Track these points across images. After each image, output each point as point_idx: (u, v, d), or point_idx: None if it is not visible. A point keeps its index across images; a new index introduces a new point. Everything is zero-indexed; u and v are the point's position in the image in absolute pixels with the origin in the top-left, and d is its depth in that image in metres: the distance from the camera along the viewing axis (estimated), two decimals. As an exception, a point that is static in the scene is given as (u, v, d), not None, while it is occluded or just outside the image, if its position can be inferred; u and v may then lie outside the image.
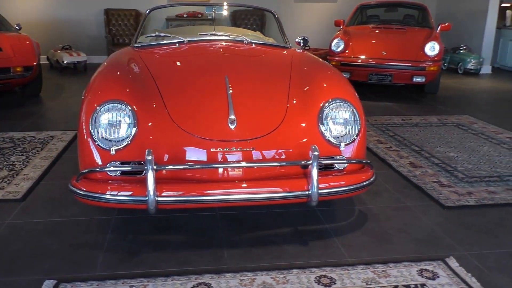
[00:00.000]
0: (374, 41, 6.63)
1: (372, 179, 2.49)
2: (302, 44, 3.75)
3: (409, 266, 2.29)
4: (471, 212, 2.91)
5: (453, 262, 2.33)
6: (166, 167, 2.26)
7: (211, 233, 2.57)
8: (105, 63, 3.05)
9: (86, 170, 2.29)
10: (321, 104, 2.52)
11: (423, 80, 6.13)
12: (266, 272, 2.21)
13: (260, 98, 2.61)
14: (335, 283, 2.13)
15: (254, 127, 2.42)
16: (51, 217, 2.76)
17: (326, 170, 2.47)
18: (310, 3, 9.56)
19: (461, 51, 8.85)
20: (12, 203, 2.93)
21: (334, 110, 2.50)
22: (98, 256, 2.34)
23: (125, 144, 2.32)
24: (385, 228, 2.67)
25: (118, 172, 2.34)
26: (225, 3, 4.14)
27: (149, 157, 2.15)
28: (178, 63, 3.09)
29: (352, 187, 2.42)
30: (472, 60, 8.48)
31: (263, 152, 2.37)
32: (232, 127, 2.38)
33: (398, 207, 2.95)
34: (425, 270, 2.26)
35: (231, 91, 2.55)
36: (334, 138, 2.47)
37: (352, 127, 2.49)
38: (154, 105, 2.48)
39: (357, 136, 2.51)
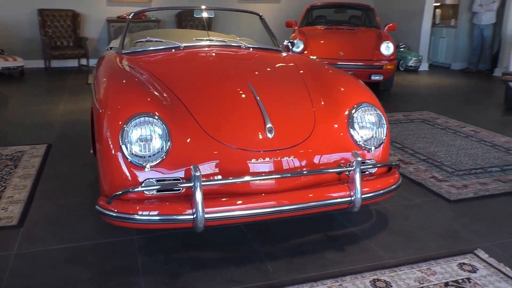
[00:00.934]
0: (331, 42, 6.80)
1: (400, 180, 2.56)
2: (290, 47, 3.74)
3: (448, 261, 2.38)
4: (474, 204, 3.08)
5: (482, 254, 2.45)
6: (214, 182, 2.15)
7: (245, 247, 2.49)
8: (104, 74, 2.84)
9: (124, 191, 2.11)
10: (350, 109, 2.53)
11: (381, 78, 6.39)
12: (320, 282, 2.18)
13: (288, 104, 2.57)
14: (391, 286, 2.16)
15: (290, 135, 2.37)
16: (63, 242, 2.51)
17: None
18: (253, 3, 9.57)
19: (401, 49, 9.35)
20: (9, 231, 2.63)
21: (362, 114, 2.52)
22: (138, 281, 2.18)
23: (160, 159, 2.17)
24: (407, 227, 2.75)
25: (154, 190, 2.18)
26: (203, 7, 4.01)
27: (197, 173, 2.03)
28: (189, 71, 2.93)
29: (387, 190, 2.46)
30: (413, 58, 9.00)
31: (301, 160, 2.33)
32: (270, 136, 2.31)
33: (409, 205, 3.05)
34: (464, 264, 2.36)
35: (259, 98, 2.48)
36: (364, 142, 2.49)
37: (379, 130, 2.53)
38: (182, 117, 2.34)
39: (384, 139, 2.55)
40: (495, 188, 3.32)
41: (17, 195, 3.09)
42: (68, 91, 6.97)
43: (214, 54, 3.22)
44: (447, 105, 6.24)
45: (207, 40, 3.49)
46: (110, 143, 2.20)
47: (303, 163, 2.33)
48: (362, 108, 2.53)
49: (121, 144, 2.15)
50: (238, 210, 2.13)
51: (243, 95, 2.53)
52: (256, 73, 2.90)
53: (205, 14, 3.77)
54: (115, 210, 2.11)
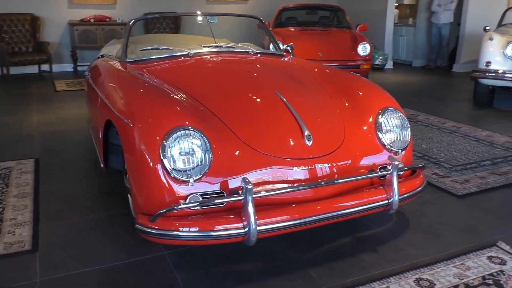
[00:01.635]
0: (308, 43, 6.87)
1: (425, 181, 2.62)
2: (290, 51, 3.74)
3: (477, 255, 2.46)
4: (480, 198, 3.21)
5: (504, 246, 2.55)
6: (265, 194, 2.11)
7: (282, 255, 2.46)
8: (119, 84, 2.73)
9: (170, 208, 2.03)
10: (376, 114, 2.55)
11: (358, 77, 6.54)
12: (368, 285, 2.19)
13: (318, 111, 2.56)
14: (434, 284, 2.20)
15: (327, 142, 2.37)
16: (89, 265, 2.38)
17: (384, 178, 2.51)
18: (222, 4, 9.52)
19: (367, 48, 9.60)
20: (25, 256, 2.46)
21: (388, 118, 2.55)
22: (185, 300, 2.10)
23: (203, 173, 2.11)
24: (427, 223, 2.82)
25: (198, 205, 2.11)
26: (198, 12, 3.93)
27: (249, 186, 1.98)
28: (210, 79, 2.85)
29: (416, 191, 2.51)
30: (379, 56, 9.27)
31: (339, 166, 2.34)
32: (309, 143, 2.30)
33: (422, 202, 3.13)
34: (492, 257, 2.45)
35: (290, 105, 2.46)
36: (391, 145, 2.53)
37: (404, 133, 2.57)
38: (217, 128, 2.28)
39: (409, 141, 2.60)
40: (494, 181, 3.47)
41: (20, 216, 2.90)
42: (35, 99, 6.65)
43: (228, 61, 3.16)
44: (420, 102, 6.47)
45: (215, 46, 3.42)
46: (148, 158, 2.11)
47: (340, 169, 2.34)
48: (388, 113, 2.56)
49: (162, 159, 2.07)
50: (288, 220, 2.10)
51: (274, 103, 2.50)
52: (279, 80, 2.87)
53: (210, 20, 3.66)
54: (161, 228, 2.03)
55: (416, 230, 2.74)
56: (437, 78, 8.70)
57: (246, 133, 2.29)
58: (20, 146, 4.42)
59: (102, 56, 4.09)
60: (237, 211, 2.10)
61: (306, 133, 2.31)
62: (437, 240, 2.62)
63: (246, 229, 2.01)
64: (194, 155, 2.09)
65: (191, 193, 2.10)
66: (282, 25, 7.86)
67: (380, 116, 2.55)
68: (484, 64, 5.80)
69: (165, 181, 2.09)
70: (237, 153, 2.22)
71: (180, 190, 2.09)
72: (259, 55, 3.42)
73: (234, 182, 2.16)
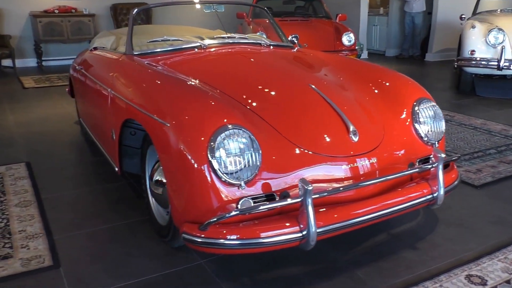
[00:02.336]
0: (292, 33, 6.74)
1: (459, 174, 2.59)
2: (296, 42, 3.62)
3: (516, 247, 2.46)
4: (497, 187, 3.23)
5: (538, 236, 2.57)
6: (324, 194, 1.99)
7: (324, 257, 2.36)
8: (139, 80, 2.52)
9: (221, 216, 1.88)
10: (411, 105, 2.48)
11: (344, 68, 6.51)
12: (421, 285, 2.13)
13: (356, 104, 2.46)
14: (486, 280, 2.17)
15: (371, 136, 2.28)
16: (123, 279, 2.20)
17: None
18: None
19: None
20: (48, 273, 2.25)
21: (424, 109, 2.49)
22: (240, 312, 1.97)
23: (254, 174, 1.97)
24: (456, 216, 2.80)
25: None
26: (197, 0, 3.74)
27: (309, 187, 1.86)
28: (238, 73, 2.68)
29: (454, 185, 2.47)
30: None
31: (384, 160, 2.25)
32: (355, 139, 2.20)
33: (443, 194, 3.11)
34: (531, 248, 2.45)
35: (330, 100, 2.35)
36: (427, 136, 2.47)
37: (439, 124, 2.52)
38: (260, 125, 2.14)
39: (444, 132, 2.55)
40: (506, 170, 3.50)
41: (29, 228, 2.66)
42: (4, 98, 6.26)
43: (247, 53, 2.99)
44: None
45: (228, 37, 3.25)
46: (193, 161, 1.94)
47: (384, 164, 2.26)
48: (423, 104, 2.50)
49: (211, 161, 1.91)
50: (346, 219, 2.00)
51: (312, 98, 2.38)
52: (310, 73, 2.75)
53: (219, 9, 3.46)
54: (212, 237, 1.88)
55: (448, 224, 2.71)
56: (412, 68, 8.83)
57: (290, 131, 2.17)
58: (3, 150, 4.10)
59: (95, 48, 3.83)
60: (290, 215, 1.98)
61: (352, 128, 2.21)
62: (473, 234, 2.60)
63: (304, 233, 1.90)
64: (244, 156, 1.95)
65: (242, 197, 1.96)
66: (260, 16, 7.71)
67: (416, 108, 2.48)
68: (469, 52, 5.89)
69: (214, 185, 1.93)
70: (283, 152, 2.09)
71: (231, 194, 1.95)
72: (271, 47, 3.28)
73: (282, 183, 2.04)
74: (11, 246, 2.46)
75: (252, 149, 1.97)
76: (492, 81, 6.29)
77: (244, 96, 2.33)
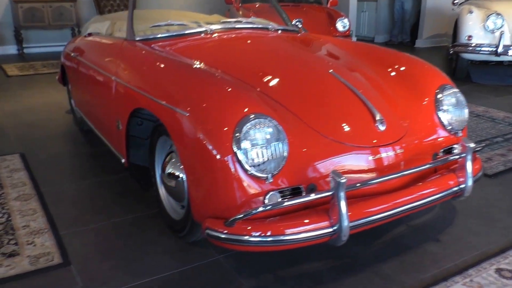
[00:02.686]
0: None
1: (482, 165, 2.52)
2: (300, 27, 3.49)
3: (540, 238, 2.42)
4: (510, 176, 3.18)
5: (559, 226, 2.53)
6: (355, 187, 1.89)
7: (346, 251, 2.28)
8: (150, 67, 2.38)
9: (248, 212, 1.77)
10: (434, 92, 2.39)
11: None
12: (451, 280, 2.06)
13: (380, 91, 2.35)
14: (516, 273, 2.13)
15: (397, 125, 2.18)
16: (140, 277, 2.07)
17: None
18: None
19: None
20: (59, 272, 2.12)
21: (447, 96, 2.40)
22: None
23: (281, 166, 1.86)
24: (476, 207, 2.72)
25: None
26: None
27: (342, 180, 1.76)
28: (253, 60, 2.54)
29: (479, 175, 2.40)
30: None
31: (411, 150, 2.17)
32: (383, 128, 2.10)
33: (457, 183, 3.06)
34: (554, 239, 2.41)
35: (354, 87, 2.24)
36: (452, 125, 2.39)
37: (462, 112, 2.43)
38: (284, 114, 2.03)
39: (467, 120, 2.47)
40: (516, 159, 3.47)
41: (32, 223, 2.52)
42: (-11, 86, 5.99)
43: (258, 38, 2.86)
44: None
45: (235, 22, 3.10)
46: (216, 153, 1.82)
47: (410, 154, 2.17)
48: (446, 91, 2.41)
49: (236, 153, 1.79)
50: (378, 212, 1.91)
51: (334, 85, 2.27)
52: (328, 59, 2.63)
53: None
54: (240, 233, 1.77)
55: (466, 215, 2.65)
56: (404, 54, 8.76)
57: (314, 119, 2.06)
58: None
59: (90, 34, 3.65)
60: (319, 209, 1.88)
61: (378, 117, 2.11)
62: (494, 226, 2.54)
63: (336, 228, 1.80)
64: (271, 147, 1.84)
65: (269, 191, 1.85)
66: (249, 1, 7.54)
67: (438, 95, 2.39)
68: (466, 38, 5.85)
69: (239, 178, 1.82)
70: (308, 142, 1.98)
71: (257, 188, 1.84)
72: (279, 31, 3.15)
73: (308, 175, 1.94)
74: (16, 242, 2.31)
75: (278, 140, 1.86)
76: (487, 68, 6.28)
77: (263, 84, 2.21)
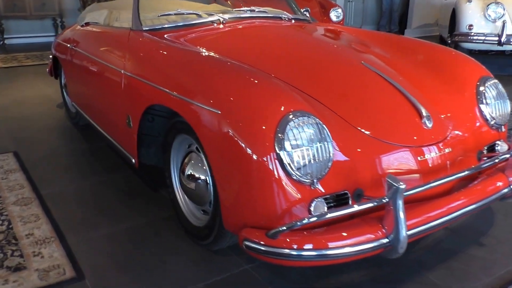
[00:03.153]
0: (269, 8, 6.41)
1: None
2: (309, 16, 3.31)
3: None
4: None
5: None
6: (413, 192, 1.73)
7: (383, 261, 2.08)
8: (167, 59, 2.16)
9: (295, 222, 1.58)
10: (475, 85, 2.23)
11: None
12: None
13: (418, 84, 2.19)
14: None
15: (444, 121, 2.02)
16: (162, 290, 1.89)
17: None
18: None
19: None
20: (73, 286, 1.91)
21: (488, 89, 2.24)
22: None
23: (326, 170, 1.68)
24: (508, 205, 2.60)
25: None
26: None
27: (401, 185, 1.59)
28: (275, 52, 2.33)
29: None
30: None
31: (458, 149, 2.01)
32: (430, 125, 1.93)
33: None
34: None
35: (390, 79, 2.07)
36: (494, 119, 2.23)
37: (505, 106, 2.28)
38: (322, 111, 1.85)
39: (510, 114, 2.33)
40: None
41: (37, 231, 2.29)
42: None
43: (277, 28, 2.66)
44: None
45: (248, 11, 2.89)
46: (256, 156, 1.63)
47: (458, 152, 2.01)
48: (487, 82, 2.25)
49: (280, 155, 1.61)
50: (434, 219, 1.75)
51: (370, 78, 2.09)
52: (357, 50, 2.45)
53: None
54: (286, 247, 1.59)
55: (506, 215, 2.49)
56: (397, 43, 8.66)
57: (355, 117, 1.88)
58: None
59: (87, 24, 3.39)
60: (368, 217, 1.72)
61: (424, 113, 1.94)
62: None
63: (391, 238, 1.64)
64: (315, 148, 1.66)
65: (314, 198, 1.67)
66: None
67: (480, 88, 2.23)
68: (467, 27, 5.74)
69: (281, 183, 1.64)
70: (351, 142, 1.81)
71: (301, 194, 1.66)
72: (293, 21, 2.95)
73: (354, 179, 1.76)
74: (21, 254, 2.09)
75: (323, 140, 1.67)
76: (487, 57, 6.20)
77: (294, 78, 2.02)
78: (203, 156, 1.99)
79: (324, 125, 1.69)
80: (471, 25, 5.71)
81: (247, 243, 1.67)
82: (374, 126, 1.88)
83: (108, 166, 3.09)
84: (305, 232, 1.64)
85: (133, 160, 2.44)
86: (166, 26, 2.63)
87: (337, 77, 2.10)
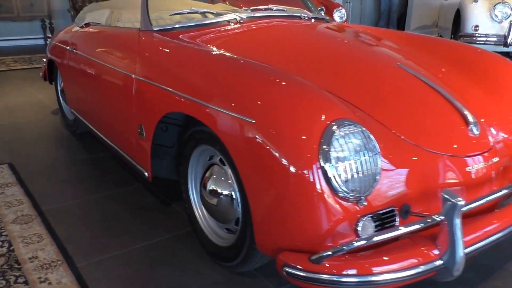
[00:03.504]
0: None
1: None
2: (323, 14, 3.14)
3: None
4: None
5: None
6: (470, 207, 1.55)
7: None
8: (188, 63, 1.97)
9: (343, 246, 1.41)
10: None
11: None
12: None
13: (457, 87, 2.02)
14: None
15: (489, 127, 1.85)
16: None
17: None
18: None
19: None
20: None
21: None
22: None
23: (374, 185, 1.51)
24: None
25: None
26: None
27: (459, 201, 1.42)
28: (305, 54, 2.14)
29: None
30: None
31: (505, 156, 1.84)
32: (477, 132, 1.77)
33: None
34: None
35: (432, 83, 1.90)
36: None
37: None
38: (364, 118, 1.67)
39: None
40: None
41: (41, 253, 2.08)
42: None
43: (300, 28, 2.48)
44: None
45: (265, 9, 2.71)
46: (298, 170, 1.45)
47: (505, 160, 1.84)
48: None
49: (326, 169, 1.43)
50: (491, 234, 1.58)
51: (409, 80, 1.92)
52: (389, 51, 2.28)
53: None
54: (330, 273, 1.41)
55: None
56: (395, 45, 8.56)
57: (397, 124, 1.71)
58: None
59: (88, 24, 3.18)
60: (417, 237, 1.54)
61: (471, 119, 1.78)
62: None
63: (445, 260, 1.47)
64: (363, 160, 1.48)
65: (361, 217, 1.49)
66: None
67: None
68: (472, 28, 5.63)
69: (326, 201, 1.45)
70: (397, 152, 1.63)
71: (347, 212, 1.48)
72: (313, 20, 2.78)
73: (400, 194, 1.59)
74: (26, 281, 1.88)
75: (370, 151, 1.50)
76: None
77: (329, 83, 1.84)
78: (229, 169, 1.80)
79: (371, 135, 1.52)
80: (477, 26, 5.60)
81: (287, 269, 1.48)
82: (418, 134, 1.72)
83: (113, 178, 2.88)
84: (347, 256, 1.46)
85: (146, 174, 2.23)
86: (178, 26, 2.43)
87: (374, 80, 1.93)
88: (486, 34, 5.55)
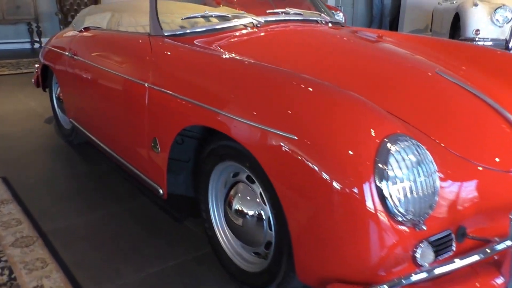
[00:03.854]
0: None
1: None
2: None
3: None
4: None
5: None
6: None
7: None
8: (215, 71, 1.80)
9: (406, 280, 1.26)
10: None
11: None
12: None
13: (501, 95, 1.89)
14: None
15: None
16: None
17: None
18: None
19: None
20: None
21: None
22: None
23: (433, 207, 1.36)
24: None
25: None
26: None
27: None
28: (338, 62, 1.98)
29: None
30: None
31: None
32: (532, 146, 1.65)
33: None
34: None
35: (476, 91, 1.77)
36: None
37: None
38: (415, 133, 1.52)
39: None
40: None
41: (46, 281, 1.88)
42: None
43: (325, 34, 2.35)
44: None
45: (282, 13, 2.55)
46: (349, 192, 1.29)
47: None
48: None
49: (382, 190, 1.27)
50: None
51: (452, 89, 1.79)
52: (424, 56, 2.13)
53: None
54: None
55: None
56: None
57: (446, 137, 1.57)
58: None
59: (87, 28, 2.99)
60: (479, 265, 1.40)
61: (521, 130, 1.65)
62: None
63: (511, 288, 1.33)
64: (421, 180, 1.32)
65: (419, 243, 1.34)
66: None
67: None
68: (473, 32, 5.57)
69: (381, 226, 1.30)
70: (452, 169, 1.49)
71: (405, 239, 1.32)
72: (330, 24, 2.64)
73: (457, 215, 1.45)
74: (30, 314, 1.68)
75: (428, 169, 1.35)
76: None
77: (369, 94, 1.68)
78: (259, 188, 1.64)
79: (427, 151, 1.37)
80: (477, 30, 5.54)
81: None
82: (469, 147, 1.58)
83: (118, 194, 2.68)
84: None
85: (161, 191, 2.05)
86: (189, 31, 2.26)
87: (416, 90, 1.78)
88: (487, 38, 5.49)
